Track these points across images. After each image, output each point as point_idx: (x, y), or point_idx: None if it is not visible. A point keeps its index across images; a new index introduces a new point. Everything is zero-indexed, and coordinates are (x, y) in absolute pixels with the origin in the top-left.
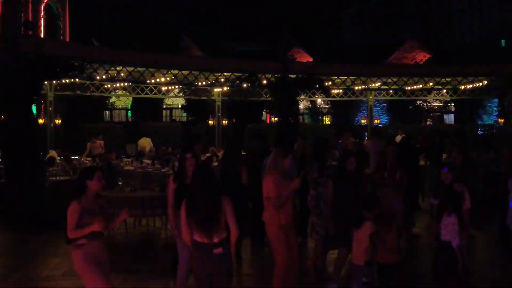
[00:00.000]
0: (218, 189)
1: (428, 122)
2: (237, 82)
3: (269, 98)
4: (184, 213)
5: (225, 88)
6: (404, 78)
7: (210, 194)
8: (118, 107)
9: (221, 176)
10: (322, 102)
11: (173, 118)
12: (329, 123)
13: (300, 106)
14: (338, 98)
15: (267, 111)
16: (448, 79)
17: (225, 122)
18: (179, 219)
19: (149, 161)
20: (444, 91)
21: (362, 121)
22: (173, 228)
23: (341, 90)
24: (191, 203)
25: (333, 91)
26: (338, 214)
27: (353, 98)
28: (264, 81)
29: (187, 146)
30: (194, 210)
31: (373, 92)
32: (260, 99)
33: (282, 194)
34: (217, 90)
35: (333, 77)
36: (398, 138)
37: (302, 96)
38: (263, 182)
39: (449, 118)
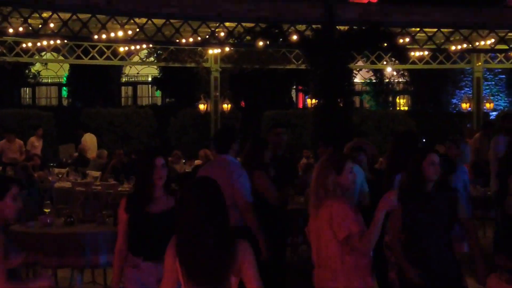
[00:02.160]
0: (228, 227)
1: None
2: (248, 38)
3: (303, 66)
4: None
5: (226, 49)
6: None
7: (217, 237)
8: (45, 81)
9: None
10: (395, 73)
11: (138, 100)
12: (405, 108)
13: (356, 80)
14: (421, 66)
15: (299, 88)
16: None
17: (226, 106)
18: (132, 275)
19: (97, 174)
20: None
21: (464, 105)
22: None
23: (426, 53)
24: (184, 251)
25: (412, 53)
26: None
27: (448, 65)
28: (294, 37)
29: (155, 149)
30: (192, 266)
31: (482, 56)
32: (288, 67)
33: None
34: (213, 52)
35: (413, 29)
36: None
37: (360, 63)
38: (323, 213)
39: None
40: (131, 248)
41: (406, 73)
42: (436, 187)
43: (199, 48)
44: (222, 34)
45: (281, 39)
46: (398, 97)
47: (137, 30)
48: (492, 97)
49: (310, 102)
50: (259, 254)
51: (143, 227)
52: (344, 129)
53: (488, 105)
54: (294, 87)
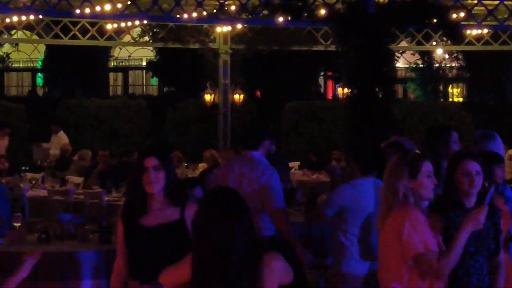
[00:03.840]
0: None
1: None
2: (265, 12)
3: (332, 48)
4: None
5: (239, 27)
6: None
7: (243, 263)
8: (15, 66)
9: None
10: (447, 57)
11: (129, 89)
12: (460, 100)
13: (398, 65)
14: (479, 48)
15: (328, 74)
16: None
17: (238, 96)
18: None
19: (79, 180)
20: None
21: None
22: None
23: (486, 31)
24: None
25: (469, 32)
26: None
27: (511, 47)
28: (322, 11)
29: (147, 147)
30: None
31: None
32: (314, 49)
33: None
34: (222, 30)
35: (470, 1)
36: None
37: (403, 44)
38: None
39: None
40: (129, 269)
41: (460, 57)
42: (478, 202)
43: (205, 26)
44: (233, 7)
45: (305, 14)
46: (450, 85)
47: (129, 2)
48: None
49: (341, 91)
50: (297, 263)
51: (135, 243)
52: (383, 125)
53: None
54: (322, 73)
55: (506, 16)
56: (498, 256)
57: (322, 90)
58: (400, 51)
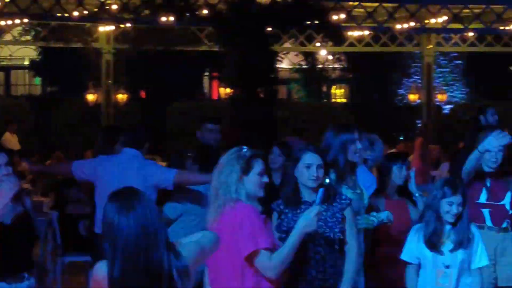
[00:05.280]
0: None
1: None
2: (147, 12)
3: (216, 48)
4: None
5: (122, 26)
6: (499, 7)
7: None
8: None
9: None
10: (330, 58)
11: (11, 88)
12: (343, 100)
13: (282, 66)
14: (361, 49)
15: (214, 75)
16: None
17: (121, 96)
18: None
19: None
20: None
21: (411, 96)
22: None
23: (366, 33)
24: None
25: (350, 33)
26: None
27: (393, 48)
28: (205, 11)
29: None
30: None
31: (434, 37)
32: (198, 49)
33: None
34: (105, 29)
35: (350, 3)
36: None
37: (287, 44)
38: None
39: None
40: None
41: (343, 58)
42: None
43: (88, 25)
44: (115, 7)
45: (188, 14)
46: (334, 86)
47: (7, 0)
48: (446, 87)
49: (224, 91)
50: None
51: None
52: (265, 125)
53: (440, 97)
54: (207, 73)
55: (385, 18)
56: (344, 245)
57: (207, 90)
58: (284, 52)
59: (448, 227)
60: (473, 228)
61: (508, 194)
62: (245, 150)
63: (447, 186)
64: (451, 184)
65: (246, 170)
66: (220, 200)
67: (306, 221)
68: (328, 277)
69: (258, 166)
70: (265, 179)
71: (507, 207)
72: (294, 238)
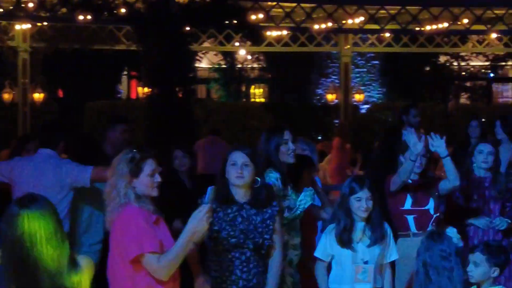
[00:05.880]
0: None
1: (463, 100)
2: (63, 9)
3: (134, 47)
4: None
5: (38, 24)
6: (414, 8)
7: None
8: None
9: None
10: (250, 57)
11: None
12: (262, 100)
13: (201, 65)
14: (279, 49)
15: (132, 74)
16: (502, 11)
17: (38, 95)
18: None
19: None
20: (493, 36)
21: (329, 96)
22: None
23: (285, 33)
24: None
25: (269, 33)
26: None
27: (311, 48)
28: (122, 10)
29: None
30: None
31: (351, 37)
32: (116, 48)
33: None
34: (21, 28)
35: (268, 3)
36: None
37: (206, 44)
38: None
39: (504, 92)
40: None
41: (262, 58)
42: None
43: (3, 23)
44: (32, 5)
45: (106, 13)
46: (253, 86)
47: None
48: (363, 87)
49: (142, 91)
50: None
51: None
52: (183, 124)
53: (357, 97)
54: (126, 73)
55: (303, 18)
56: (270, 250)
57: (126, 89)
58: (203, 52)
59: (362, 223)
60: (385, 224)
61: (431, 199)
62: (135, 152)
63: (354, 183)
64: (358, 181)
65: (136, 172)
66: (113, 203)
67: (195, 220)
68: (251, 277)
69: (148, 167)
70: (157, 179)
71: (431, 211)
72: (183, 238)
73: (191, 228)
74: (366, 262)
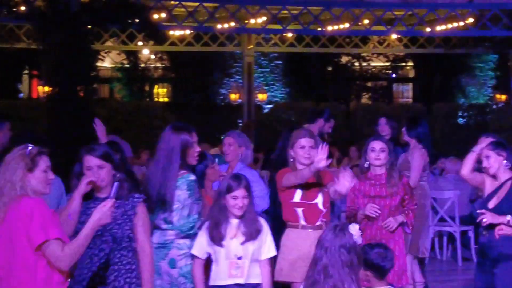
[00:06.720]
0: None
1: (365, 100)
2: None
3: (35, 46)
4: None
5: None
6: (316, 9)
7: None
8: None
9: None
10: (153, 57)
11: None
12: (166, 100)
13: (104, 65)
14: (182, 48)
15: (33, 73)
16: (401, 12)
17: None
18: None
19: None
20: (394, 37)
21: (232, 96)
22: None
23: (188, 32)
24: None
25: (172, 32)
26: None
27: (214, 48)
28: (22, 7)
29: None
30: None
31: (254, 37)
32: (17, 46)
33: None
34: None
35: (171, 2)
36: None
37: (109, 43)
38: None
39: (404, 92)
40: None
41: (165, 57)
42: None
43: None
44: None
45: (5, 10)
46: (156, 85)
47: None
48: (266, 87)
49: (43, 90)
50: None
51: None
52: (84, 124)
53: (261, 96)
54: (27, 72)
55: (206, 18)
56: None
57: (27, 89)
58: (106, 51)
59: (236, 220)
60: (262, 220)
61: (320, 194)
62: (31, 147)
63: (231, 181)
64: (235, 179)
65: (31, 167)
66: (6, 198)
67: (100, 213)
68: (109, 274)
69: (43, 163)
70: (51, 176)
71: (320, 206)
72: (87, 230)
73: (95, 220)
74: (240, 258)
